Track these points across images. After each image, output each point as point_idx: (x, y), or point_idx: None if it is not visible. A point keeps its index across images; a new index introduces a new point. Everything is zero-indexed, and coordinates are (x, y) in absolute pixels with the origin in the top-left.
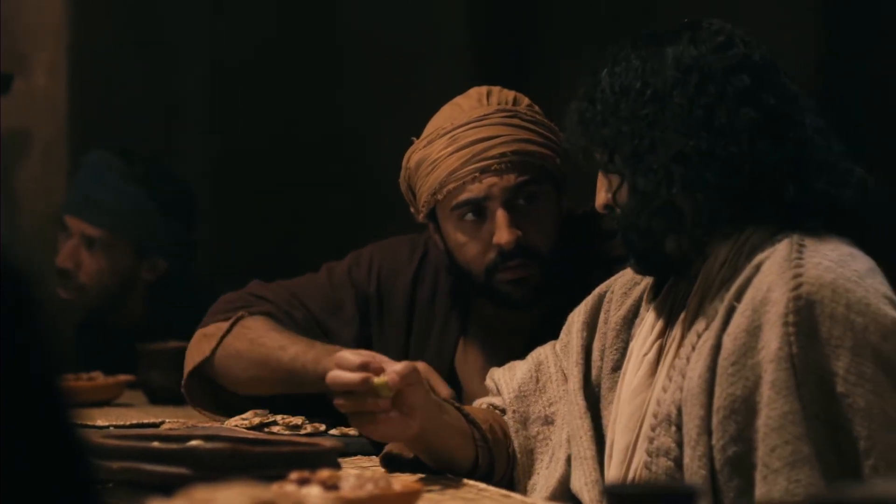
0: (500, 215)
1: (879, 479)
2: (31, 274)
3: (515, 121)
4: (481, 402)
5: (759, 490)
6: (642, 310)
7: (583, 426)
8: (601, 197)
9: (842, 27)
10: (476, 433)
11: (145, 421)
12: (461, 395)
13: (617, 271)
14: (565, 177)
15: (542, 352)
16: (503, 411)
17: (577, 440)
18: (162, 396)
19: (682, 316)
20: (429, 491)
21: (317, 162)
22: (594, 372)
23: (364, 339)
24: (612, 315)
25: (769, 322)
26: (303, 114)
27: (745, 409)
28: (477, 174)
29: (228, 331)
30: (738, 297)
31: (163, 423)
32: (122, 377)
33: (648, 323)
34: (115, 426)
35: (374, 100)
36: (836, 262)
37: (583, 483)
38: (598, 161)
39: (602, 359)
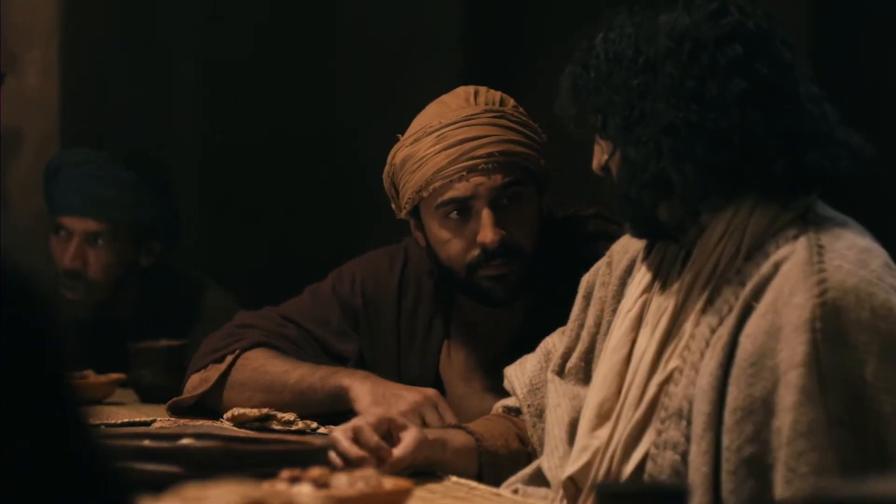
0: (486, 215)
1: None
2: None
3: (503, 121)
4: (497, 407)
5: (781, 492)
6: (635, 269)
7: (559, 406)
8: (596, 161)
9: (832, 24)
10: (482, 454)
11: (136, 419)
12: (444, 398)
13: None
14: (548, 178)
15: (550, 340)
16: (518, 411)
17: (550, 422)
18: (153, 395)
19: (675, 284)
20: (419, 489)
21: (308, 159)
22: (584, 345)
23: (358, 352)
24: (612, 280)
25: (791, 325)
26: (294, 111)
27: (763, 410)
28: (464, 173)
29: (229, 368)
30: (756, 296)
31: (154, 421)
32: (114, 376)
33: (636, 281)
34: (107, 425)
35: (365, 98)
36: (856, 264)
37: (549, 465)
38: (593, 125)
39: (598, 324)
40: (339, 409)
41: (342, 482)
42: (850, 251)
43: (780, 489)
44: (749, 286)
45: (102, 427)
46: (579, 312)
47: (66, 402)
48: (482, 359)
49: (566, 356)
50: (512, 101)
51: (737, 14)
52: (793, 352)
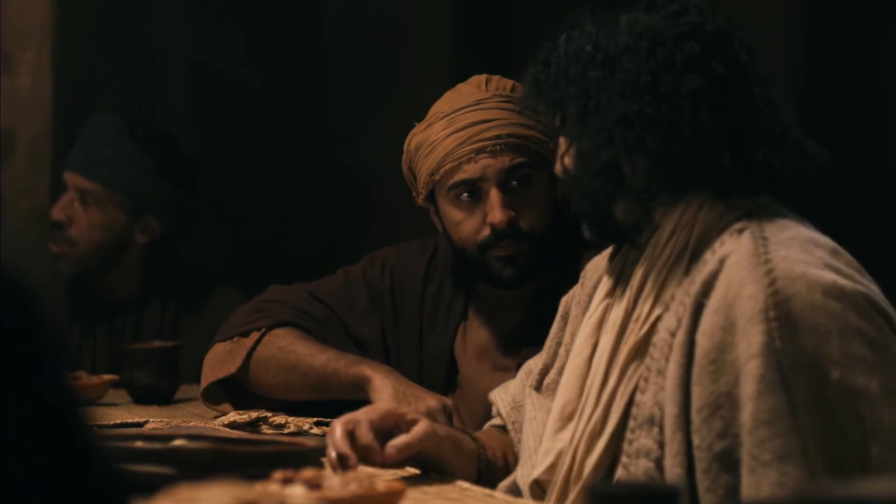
0: (494, 195)
1: (881, 465)
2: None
3: (511, 106)
4: (487, 426)
5: (747, 482)
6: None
7: (535, 418)
8: (557, 164)
9: (822, 26)
10: (482, 462)
11: (129, 420)
12: (456, 377)
13: None
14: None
15: (532, 361)
16: (505, 428)
17: (526, 434)
18: (146, 396)
19: (631, 284)
20: (412, 489)
21: (300, 160)
22: (561, 362)
23: (380, 332)
24: (583, 297)
25: (745, 318)
26: (286, 112)
27: (728, 405)
28: (472, 154)
29: (255, 344)
30: (706, 293)
31: (147, 422)
32: (106, 377)
33: (600, 288)
34: (100, 426)
35: (358, 99)
36: (801, 252)
37: (521, 474)
38: (552, 122)
39: (573, 342)
40: (358, 398)
41: (335, 483)
42: (794, 241)
43: (745, 479)
44: (698, 284)
45: (95, 428)
46: (557, 331)
47: (66, 403)
48: (495, 339)
49: (543, 372)
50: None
51: (696, 15)
52: (749, 343)
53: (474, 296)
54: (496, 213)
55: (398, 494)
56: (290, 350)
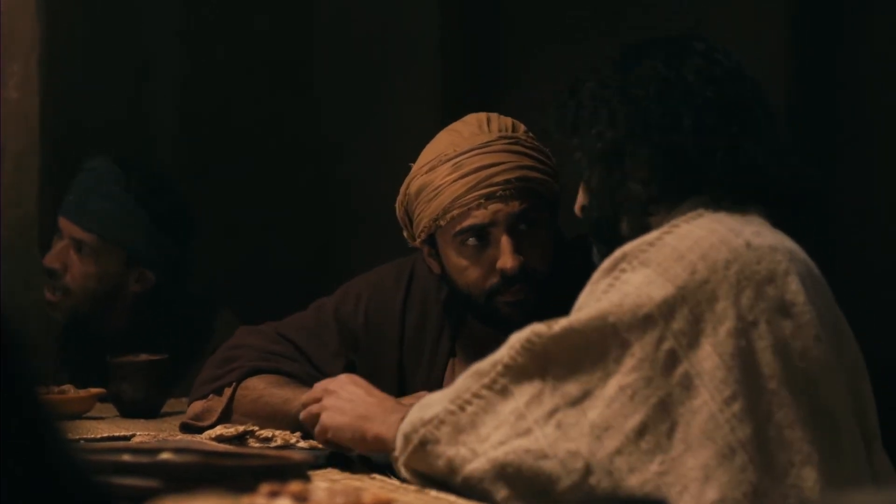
0: (506, 241)
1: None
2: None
3: (517, 147)
4: None
5: None
6: None
7: None
8: (579, 203)
9: (811, 35)
10: None
11: (116, 434)
12: None
13: None
14: (559, 200)
15: None
16: None
17: None
18: (133, 409)
19: None
20: (399, 503)
21: (289, 173)
22: None
23: (352, 372)
24: None
25: (629, 250)
26: (275, 125)
27: None
28: (482, 200)
29: (230, 401)
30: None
31: (133, 436)
32: (94, 390)
33: None
34: (86, 439)
35: (346, 112)
36: (727, 228)
37: None
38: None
39: None
40: None
41: (322, 497)
42: (735, 221)
43: None
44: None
45: (82, 442)
46: None
47: (41, 418)
48: None
49: None
50: (523, 127)
51: (703, 46)
52: (613, 267)
53: (463, 331)
54: (507, 259)
55: None
56: (264, 403)
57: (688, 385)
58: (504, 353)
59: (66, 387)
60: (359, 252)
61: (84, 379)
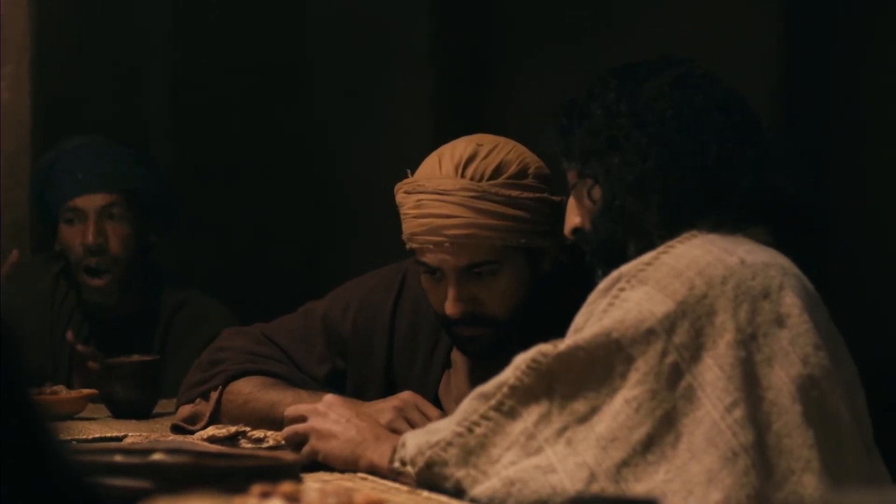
0: (451, 289)
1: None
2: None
3: (480, 203)
4: None
5: None
6: None
7: None
8: (570, 223)
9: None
10: None
11: (108, 435)
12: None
13: None
14: (552, 236)
15: None
16: None
17: None
18: (125, 410)
19: None
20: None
21: (283, 174)
22: None
23: (338, 378)
24: None
25: (627, 270)
26: (266, 132)
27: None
28: (430, 247)
29: (217, 405)
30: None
31: (125, 436)
32: (85, 391)
33: None
34: (78, 440)
35: (339, 114)
36: (721, 248)
37: None
38: (570, 183)
39: None
40: None
41: (313, 497)
42: (728, 242)
43: None
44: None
45: (74, 442)
46: None
47: (33, 419)
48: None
49: None
50: (511, 169)
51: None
52: (612, 286)
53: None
54: (448, 305)
55: None
56: (251, 408)
57: (691, 397)
58: (509, 374)
59: (59, 387)
60: (357, 252)
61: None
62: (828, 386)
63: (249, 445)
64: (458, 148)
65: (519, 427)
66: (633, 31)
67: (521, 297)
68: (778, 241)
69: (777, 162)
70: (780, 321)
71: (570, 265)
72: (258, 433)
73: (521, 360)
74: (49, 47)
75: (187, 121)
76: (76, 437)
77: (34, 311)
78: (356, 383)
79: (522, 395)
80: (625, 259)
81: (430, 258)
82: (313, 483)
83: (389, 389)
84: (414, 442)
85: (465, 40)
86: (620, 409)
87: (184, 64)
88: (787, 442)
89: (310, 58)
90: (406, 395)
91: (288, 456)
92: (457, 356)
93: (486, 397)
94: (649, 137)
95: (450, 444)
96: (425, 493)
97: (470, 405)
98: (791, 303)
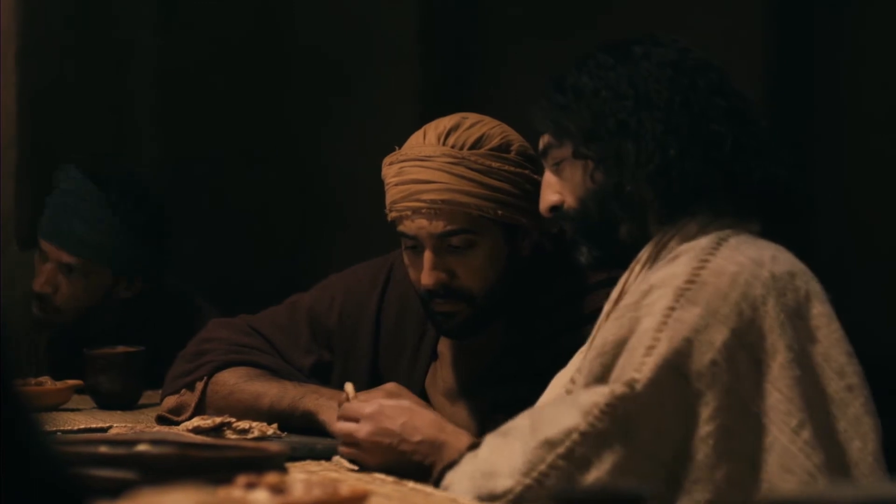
0: (427, 258)
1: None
2: None
3: (458, 168)
4: None
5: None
6: None
7: None
8: (547, 201)
9: (787, 38)
10: None
11: (93, 426)
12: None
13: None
14: (531, 215)
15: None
16: None
17: None
18: (110, 401)
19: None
20: (376, 495)
21: (267, 168)
22: None
23: (324, 370)
24: None
25: (664, 285)
26: (252, 121)
27: (613, 352)
28: (409, 213)
29: (202, 396)
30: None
31: (110, 427)
32: (71, 382)
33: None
34: (63, 431)
35: (322, 107)
36: (751, 260)
37: None
38: (554, 159)
39: None
40: (315, 429)
41: (298, 488)
42: (752, 249)
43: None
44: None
45: (59, 433)
46: None
47: (18, 410)
48: (467, 379)
49: None
50: (494, 143)
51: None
52: (653, 303)
53: (442, 337)
54: (424, 275)
55: (362, 499)
56: (236, 399)
57: (757, 426)
58: (578, 419)
59: (43, 378)
60: (343, 244)
61: (65, 372)
62: (867, 392)
63: (234, 436)
64: (444, 120)
65: (592, 476)
66: (619, 23)
67: (498, 274)
68: (765, 232)
69: (774, 151)
70: (811, 337)
71: (555, 254)
72: (243, 424)
73: (592, 403)
74: (35, 39)
75: (173, 111)
76: (61, 427)
77: (19, 308)
78: (342, 375)
79: (595, 443)
80: (616, 241)
81: (407, 226)
82: (299, 474)
83: (375, 381)
84: (472, 485)
85: (451, 32)
86: (698, 448)
87: (169, 54)
88: (853, 452)
89: (296, 48)
90: (391, 387)
91: (273, 447)
92: (443, 348)
93: (551, 445)
94: (664, 125)
95: (519, 497)
96: (411, 484)
97: (535, 453)
98: (818, 312)
